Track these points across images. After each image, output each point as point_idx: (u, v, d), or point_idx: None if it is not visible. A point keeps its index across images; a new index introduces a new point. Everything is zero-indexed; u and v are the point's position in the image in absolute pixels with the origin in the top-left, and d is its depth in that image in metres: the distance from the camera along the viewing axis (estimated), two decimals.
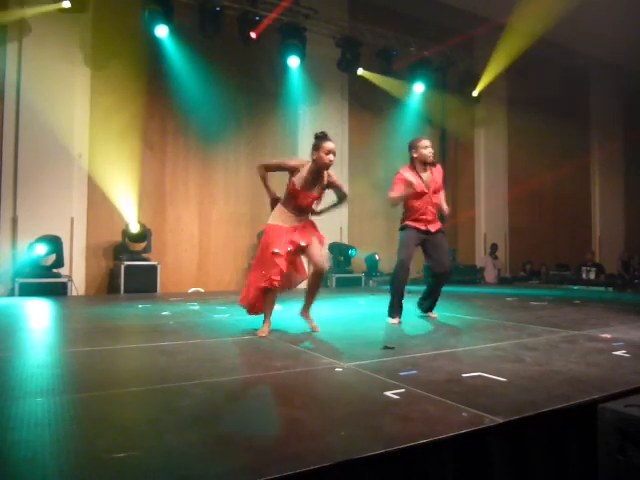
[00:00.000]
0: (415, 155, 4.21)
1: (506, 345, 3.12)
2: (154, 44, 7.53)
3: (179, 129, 8.12)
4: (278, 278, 3.39)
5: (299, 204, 3.55)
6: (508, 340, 3.28)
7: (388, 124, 9.85)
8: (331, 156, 3.44)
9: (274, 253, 3.38)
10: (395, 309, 4.22)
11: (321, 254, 3.65)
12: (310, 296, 3.75)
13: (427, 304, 4.54)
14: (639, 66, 12.40)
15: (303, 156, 9.61)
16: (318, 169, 3.49)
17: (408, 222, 4.29)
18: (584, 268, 9.84)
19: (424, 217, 4.23)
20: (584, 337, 3.40)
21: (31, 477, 1.31)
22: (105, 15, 7.41)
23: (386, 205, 4.82)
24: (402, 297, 4.24)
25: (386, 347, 2.99)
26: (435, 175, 4.25)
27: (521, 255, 11.25)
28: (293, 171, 3.52)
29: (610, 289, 8.35)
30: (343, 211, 8.89)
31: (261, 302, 3.55)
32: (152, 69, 7.80)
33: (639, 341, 3.25)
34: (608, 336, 3.41)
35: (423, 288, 4.70)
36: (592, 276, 9.54)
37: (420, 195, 4.20)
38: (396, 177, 4.26)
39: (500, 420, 1.71)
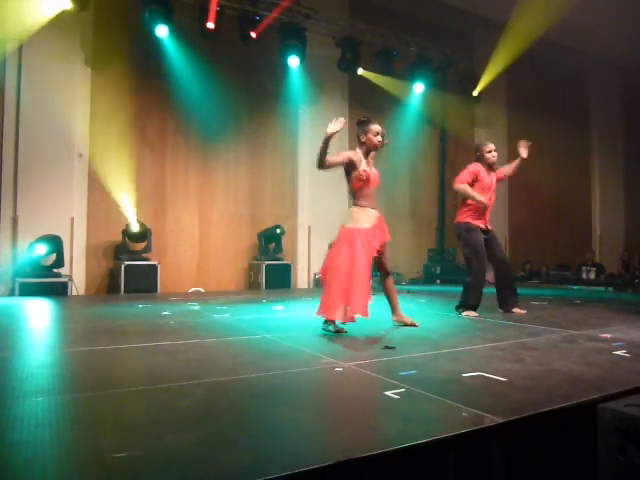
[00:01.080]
0: (482, 159, 4.58)
1: (506, 345, 3.12)
2: (154, 44, 7.53)
3: (179, 129, 8.12)
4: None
5: (372, 188, 3.64)
6: (508, 340, 3.28)
7: (388, 124, 9.84)
8: (379, 137, 3.60)
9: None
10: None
11: (388, 256, 3.84)
12: (394, 300, 3.89)
13: (510, 301, 4.64)
14: (639, 66, 12.39)
15: (303, 155, 9.64)
16: (368, 152, 3.64)
17: (471, 220, 4.51)
18: (584, 268, 9.83)
19: (484, 214, 4.53)
20: (584, 337, 3.40)
21: (31, 477, 1.31)
22: (105, 15, 7.41)
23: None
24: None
25: (386, 347, 2.99)
26: (494, 178, 4.63)
27: (521, 255, 11.24)
28: (350, 166, 3.57)
29: (610, 289, 8.34)
30: (343, 211, 8.89)
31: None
32: (152, 69, 7.79)
33: (639, 341, 3.25)
34: (608, 336, 3.41)
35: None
36: (592, 276, 9.54)
37: (485, 191, 4.49)
38: (469, 167, 4.56)
39: (500, 420, 1.71)
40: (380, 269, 3.83)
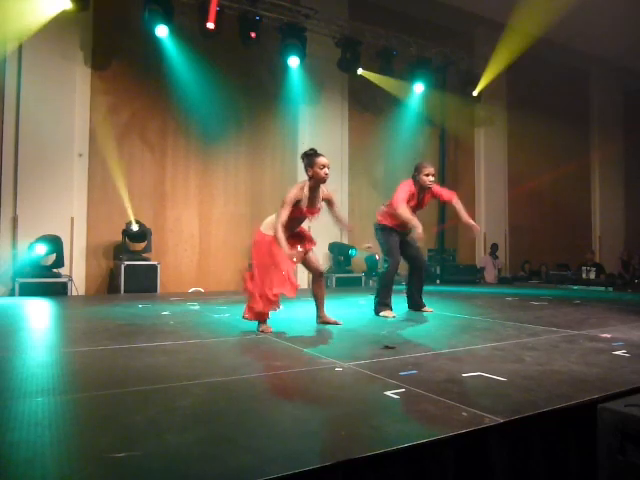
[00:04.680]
0: (417, 178, 4.59)
1: (506, 345, 3.12)
2: (154, 44, 7.52)
3: (179, 129, 8.12)
4: (278, 299, 3.57)
5: (301, 220, 3.74)
6: (508, 340, 3.28)
7: (388, 124, 9.85)
8: (326, 169, 3.59)
9: (284, 272, 3.48)
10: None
11: (317, 259, 3.93)
12: (320, 300, 4.00)
13: (418, 301, 4.95)
14: (639, 66, 12.39)
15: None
16: (316, 184, 3.64)
17: (388, 223, 4.68)
18: (584, 268, 9.83)
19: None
20: (584, 337, 3.40)
21: (31, 477, 1.31)
22: (105, 15, 7.41)
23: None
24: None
25: (386, 347, 2.99)
26: (425, 197, 4.70)
27: (521, 255, 11.25)
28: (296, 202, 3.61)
29: (610, 289, 8.34)
30: (343, 211, 8.89)
31: (268, 308, 3.60)
32: (152, 69, 7.79)
33: (639, 341, 3.26)
34: (608, 336, 3.41)
35: (425, 288, 4.95)
36: (592, 276, 9.54)
37: (412, 209, 4.60)
38: (404, 187, 4.57)
39: (500, 420, 1.71)
40: (310, 271, 3.99)
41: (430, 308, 4.86)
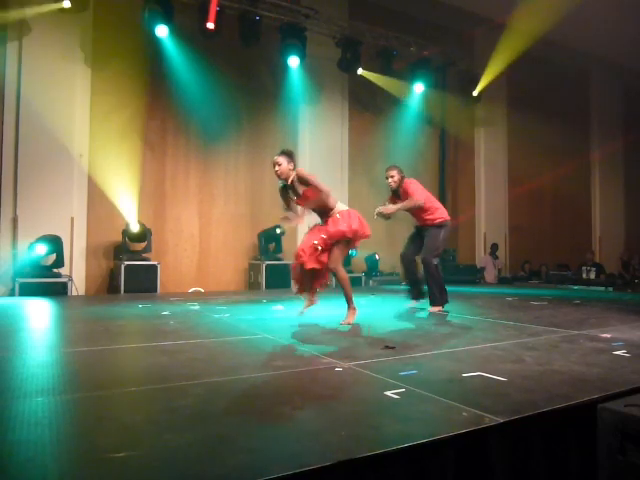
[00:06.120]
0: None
1: (506, 345, 3.12)
2: (154, 44, 7.52)
3: (179, 129, 8.11)
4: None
5: (316, 210, 4.13)
6: (508, 340, 3.28)
7: (388, 124, 9.85)
8: (275, 167, 4.00)
9: (314, 245, 3.98)
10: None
11: (334, 255, 4.02)
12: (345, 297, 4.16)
13: (413, 294, 5.29)
14: (639, 66, 12.39)
15: (303, 155, 9.63)
16: (285, 181, 4.05)
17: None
18: (584, 268, 9.83)
19: (415, 217, 5.08)
20: (584, 337, 3.40)
21: (31, 477, 1.31)
22: (105, 15, 7.40)
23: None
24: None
25: (386, 347, 2.99)
26: (402, 194, 4.92)
27: (521, 255, 11.25)
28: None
29: (610, 289, 8.34)
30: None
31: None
32: (152, 69, 7.78)
33: (639, 341, 3.26)
34: (608, 336, 3.41)
35: (426, 288, 5.08)
36: (592, 276, 9.53)
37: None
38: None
39: (500, 420, 1.71)
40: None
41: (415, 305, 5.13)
